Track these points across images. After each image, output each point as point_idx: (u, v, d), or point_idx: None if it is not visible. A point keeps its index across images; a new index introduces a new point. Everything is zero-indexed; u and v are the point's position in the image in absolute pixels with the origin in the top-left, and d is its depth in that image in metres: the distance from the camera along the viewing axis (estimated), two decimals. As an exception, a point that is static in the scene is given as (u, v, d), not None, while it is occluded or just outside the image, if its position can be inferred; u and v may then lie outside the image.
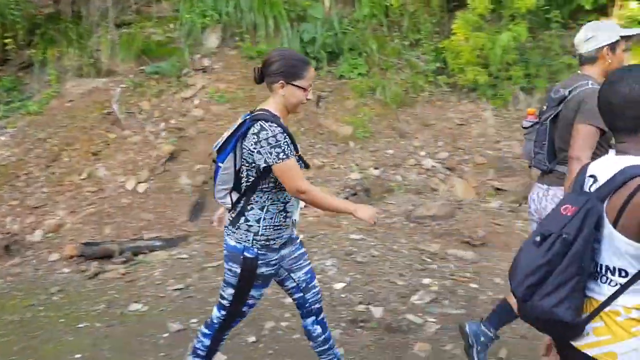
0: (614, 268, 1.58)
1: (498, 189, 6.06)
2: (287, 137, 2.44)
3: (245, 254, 2.52)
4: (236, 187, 2.55)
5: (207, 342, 2.74)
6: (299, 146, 2.58)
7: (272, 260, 2.58)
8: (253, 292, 2.60)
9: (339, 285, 4.25)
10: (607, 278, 1.60)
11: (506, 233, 5.26)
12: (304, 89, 2.51)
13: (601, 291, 1.61)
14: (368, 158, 6.44)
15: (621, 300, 1.58)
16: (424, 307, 4.02)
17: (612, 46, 2.81)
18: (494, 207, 5.73)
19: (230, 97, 6.56)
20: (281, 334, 3.74)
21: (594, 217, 1.55)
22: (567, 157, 2.75)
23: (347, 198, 5.57)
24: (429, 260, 4.78)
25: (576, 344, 1.63)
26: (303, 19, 7.37)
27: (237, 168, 2.53)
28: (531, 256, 1.64)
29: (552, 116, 2.84)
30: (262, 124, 2.41)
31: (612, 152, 1.68)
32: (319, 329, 2.89)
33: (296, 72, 2.49)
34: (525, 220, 5.53)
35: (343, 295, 4.13)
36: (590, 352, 1.59)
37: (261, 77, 2.56)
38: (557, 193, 2.87)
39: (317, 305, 2.87)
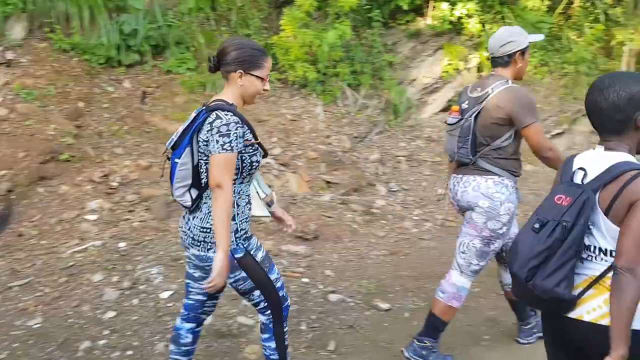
0: (606, 250, 1.82)
1: (329, 182, 6.20)
2: (239, 128, 2.34)
3: (236, 256, 2.43)
4: (195, 183, 2.46)
5: (273, 344, 2.66)
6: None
7: (257, 242, 2.56)
8: (270, 276, 2.56)
9: (165, 294, 3.98)
10: (601, 258, 1.84)
11: (337, 225, 5.39)
12: (263, 79, 2.49)
13: (595, 267, 1.86)
14: (200, 156, 6.19)
15: None
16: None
17: (523, 51, 3.10)
18: (325, 200, 5.84)
19: (40, 94, 5.87)
20: (98, 354, 3.39)
21: (590, 206, 1.79)
22: (503, 155, 3.05)
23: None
24: (262, 258, 4.71)
25: (588, 318, 1.83)
26: (123, 10, 6.86)
27: (195, 163, 2.44)
28: (531, 241, 1.86)
29: (476, 113, 3.02)
30: (218, 113, 2.35)
31: (600, 147, 1.90)
32: (190, 339, 2.77)
33: (255, 61, 2.45)
34: (354, 211, 5.76)
35: (170, 305, 3.87)
36: (605, 322, 1.76)
37: (217, 65, 2.48)
38: (468, 179, 3.10)
39: (205, 316, 2.80)
